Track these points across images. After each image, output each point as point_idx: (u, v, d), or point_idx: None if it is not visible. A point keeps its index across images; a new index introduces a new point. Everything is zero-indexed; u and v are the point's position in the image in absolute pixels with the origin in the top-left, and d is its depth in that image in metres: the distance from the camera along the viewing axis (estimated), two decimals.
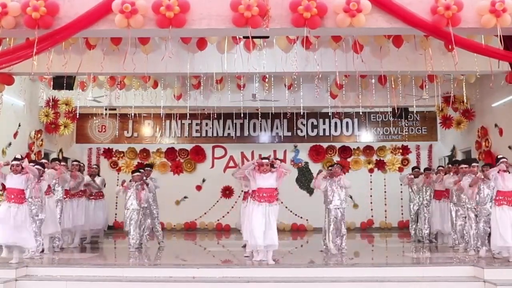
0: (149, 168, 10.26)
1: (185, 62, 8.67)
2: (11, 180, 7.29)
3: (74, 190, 9.68)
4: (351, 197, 12.93)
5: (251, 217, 7.41)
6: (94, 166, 11.70)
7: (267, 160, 7.61)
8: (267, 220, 7.27)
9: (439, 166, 11.17)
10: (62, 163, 9.41)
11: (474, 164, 8.47)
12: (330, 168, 9.09)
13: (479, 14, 6.49)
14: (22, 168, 7.34)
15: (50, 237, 8.62)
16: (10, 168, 7.36)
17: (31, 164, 7.72)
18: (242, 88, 11.15)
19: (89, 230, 10.48)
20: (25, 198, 7.36)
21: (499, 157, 7.72)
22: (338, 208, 8.57)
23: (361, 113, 13.57)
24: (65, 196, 9.28)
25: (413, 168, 11.71)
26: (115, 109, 13.44)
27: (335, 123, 14.20)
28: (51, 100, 12.05)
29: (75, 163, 10.04)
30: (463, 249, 8.72)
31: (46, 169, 8.31)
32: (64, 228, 9.19)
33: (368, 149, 14.57)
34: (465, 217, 8.67)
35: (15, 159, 7.45)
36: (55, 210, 8.71)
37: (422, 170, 11.32)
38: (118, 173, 14.33)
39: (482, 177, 7.91)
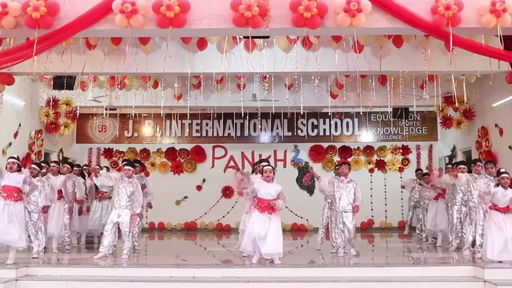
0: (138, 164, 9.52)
1: (185, 62, 8.67)
2: (8, 178, 7.27)
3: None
4: None
5: (251, 224, 7.34)
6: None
7: (270, 167, 7.50)
8: (269, 229, 7.16)
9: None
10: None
11: (479, 163, 8.46)
12: (337, 168, 9.00)
13: (479, 14, 6.48)
14: (19, 166, 7.39)
15: (58, 238, 8.83)
16: (6, 167, 7.36)
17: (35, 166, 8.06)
18: (242, 88, 11.15)
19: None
20: (21, 197, 7.33)
21: (501, 170, 7.57)
22: (346, 212, 8.14)
23: (361, 113, 13.56)
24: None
25: (416, 170, 11.78)
26: (115, 109, 13.44)
27: (335, 123, 14.21)
28: (51, 100, 12.05)
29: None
30: (456, 248, 8.79)
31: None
32: (74, 229, 9.43)
33: (368, 149, 14.57)
34: (461, 217, 8.73)
35: (11, 158, 7.48)
36: (63, 212, 8.86)
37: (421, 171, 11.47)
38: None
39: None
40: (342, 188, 8.23)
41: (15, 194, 7.22)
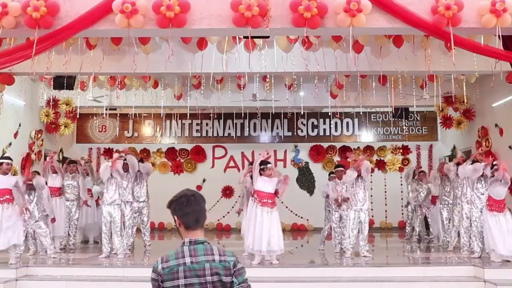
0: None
1: (185, 62, 8.67)
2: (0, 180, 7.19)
3: None
4: None
5: (255, 221, 7.30)
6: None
7: (271, 164, 7.54)
8: (271, 225, 7.19)
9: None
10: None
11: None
12: (336, 169, 9.06)
13: (479, 14, 6.47)
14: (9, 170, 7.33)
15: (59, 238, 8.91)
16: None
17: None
18: (242, 88, 11.15)
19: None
20: (14, 199, 7.23)
21: (494, 163, 7.78)
22: (361, 210, 8.32)
23: (361, 113, 13.55)
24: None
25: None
26: (115, 109, 13.45)
27: (336, 123, 14.20)
28: (51, 100, 12.04)
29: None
30: (452, 247, 8.87)
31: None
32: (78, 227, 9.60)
33: (368, 149, 14.55)
34: (456, 217, 8.79)
35: (3, 157, 7.42)
36: (64, 212, 8.88)
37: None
38: None
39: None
40: (360, 188, 8.33)
41: (7, 196, 7.13)
